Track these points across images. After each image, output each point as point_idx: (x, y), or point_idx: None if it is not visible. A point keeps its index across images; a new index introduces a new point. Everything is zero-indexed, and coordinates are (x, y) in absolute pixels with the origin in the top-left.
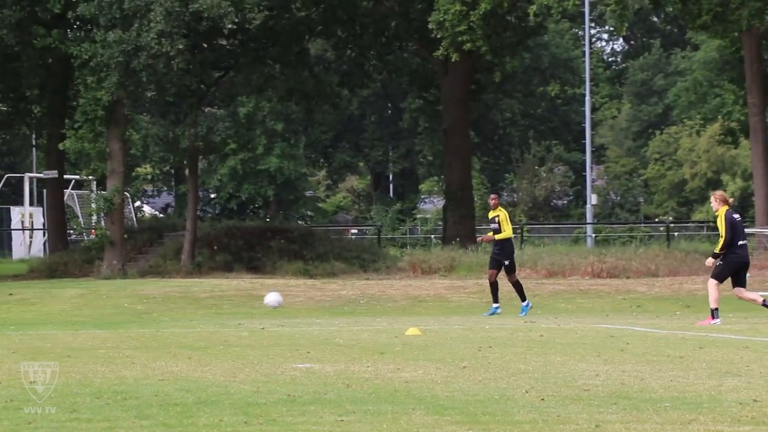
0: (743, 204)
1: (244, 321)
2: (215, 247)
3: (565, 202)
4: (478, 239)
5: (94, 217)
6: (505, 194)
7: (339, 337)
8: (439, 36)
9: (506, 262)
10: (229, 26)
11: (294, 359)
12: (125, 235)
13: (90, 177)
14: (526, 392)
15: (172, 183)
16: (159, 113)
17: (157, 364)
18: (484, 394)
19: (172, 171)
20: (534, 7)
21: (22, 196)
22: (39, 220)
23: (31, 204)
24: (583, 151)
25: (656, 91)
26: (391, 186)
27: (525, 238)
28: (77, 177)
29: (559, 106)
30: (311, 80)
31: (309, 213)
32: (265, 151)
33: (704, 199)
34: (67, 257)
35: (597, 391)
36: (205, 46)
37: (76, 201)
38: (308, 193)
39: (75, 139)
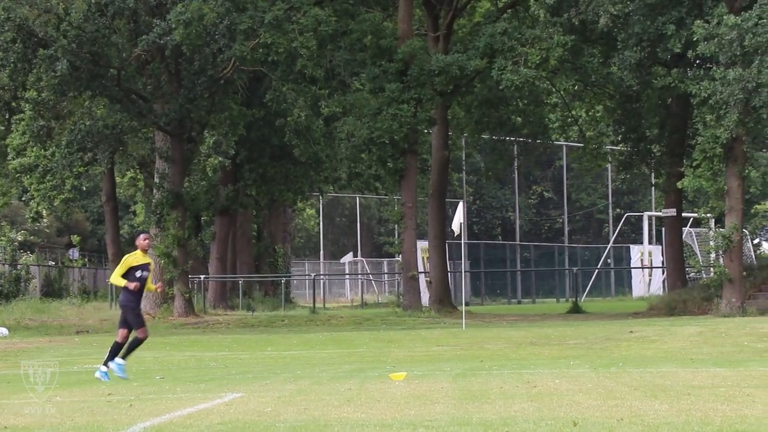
0: None
1: None
2: None
3: None
4: None
5: (712, 255)
6: None
7: None
8: None
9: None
10: None
11: None
12: (744, 273)
13: (708, 215)
14: None
15: None
16: None
17: None
18: None
19: None
20: None
21: (641, 234)
22: (657, 259)
23: (650, 242)
24: None
25: None
26: None
27: None
28: (695, 215)
29: None
30: None
31: None
32: None
33: None
34: (686, 295)
35: None
36: None
37: (694, 239)
38: None
39: (693, 178)
